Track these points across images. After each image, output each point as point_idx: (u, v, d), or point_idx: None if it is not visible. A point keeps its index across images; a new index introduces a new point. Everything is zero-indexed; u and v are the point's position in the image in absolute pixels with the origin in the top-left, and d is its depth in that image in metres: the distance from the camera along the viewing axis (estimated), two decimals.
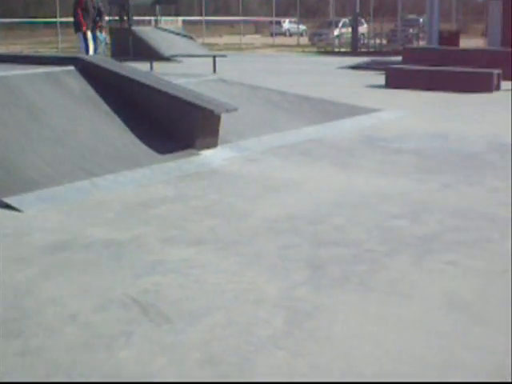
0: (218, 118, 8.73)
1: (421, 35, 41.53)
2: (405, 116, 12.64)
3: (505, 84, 17.71)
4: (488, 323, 4.07)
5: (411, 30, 43.34)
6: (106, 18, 24.86)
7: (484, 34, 39.76)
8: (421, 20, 45.29)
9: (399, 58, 24.31)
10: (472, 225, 5.96)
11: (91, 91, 9.15)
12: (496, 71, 17.58)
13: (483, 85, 17.14)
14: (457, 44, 32.53)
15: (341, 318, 4.11)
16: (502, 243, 5.49)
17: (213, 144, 8.76)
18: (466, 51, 24.86)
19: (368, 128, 11.17)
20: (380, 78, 18.73)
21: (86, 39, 20.95)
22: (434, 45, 30.80)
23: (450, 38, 32.74)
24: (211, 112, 8.56)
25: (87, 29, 20.98)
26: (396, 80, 17.89)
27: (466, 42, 36.38)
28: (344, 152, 9.17)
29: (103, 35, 21.72)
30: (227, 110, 8.84)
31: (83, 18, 20.88)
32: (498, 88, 17.46)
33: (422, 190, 7.13)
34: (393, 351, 3.71)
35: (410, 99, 15.34)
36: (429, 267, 4.96)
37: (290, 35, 57.03)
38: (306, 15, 66.56)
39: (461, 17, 55.10)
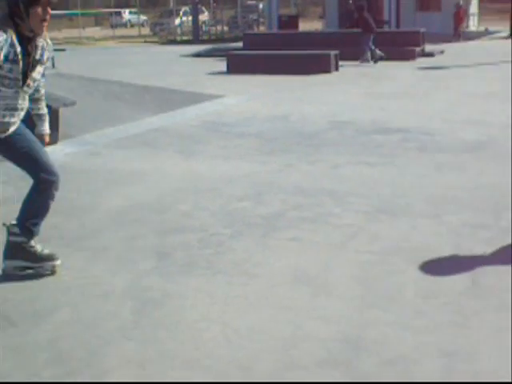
0: (56, 113, 8.52)
1: (261, 20, 42.18)
2: (247, 100, 12.82)
3: (343, 64, 18.35)
4: (331, 294, 4.21)
5: (251, 16, 43.93)
6: None
7: (322, 17, 40.90)
8: (260, 5, 45.96)
9: (240, 44, 24.66)
10: (313, 201, 6.14)
11: None
12: (333, 52, 18.13)
13: (322, 66, 17.64)
14: (296, 27, 33.30)
15: (189, 303, 4.14)
16: (341, 217, 5.70)
17: (53, 140, 8.50)
18: (305, 34, 25.55)
19: (211, 114, 11.25)
20: (222, 65, 18.89)
21: None
22: (274, 29, 31.42)
23: (290, 22, 33.47)
24: (48, 107, 8.32)
25: None
26: (237, 66, 18.10)
27: (305, 26, 37.30)
28: (188, 139, 9.19)
29: None
30: (65, 105, 8.65)
31: None
32: (336, 68, 18.03)
33: (265, 172, 7.27)
34: (241, 329, 3.78)
35: (252, 84, 15.56)
36: (273, 245, 5.08)
37: (132, 26, 56.37)
38: (146, 5, 66.07)
39: (299, 1, 56.33)
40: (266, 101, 12.74)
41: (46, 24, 4.21)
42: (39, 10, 4.12)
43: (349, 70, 18.13)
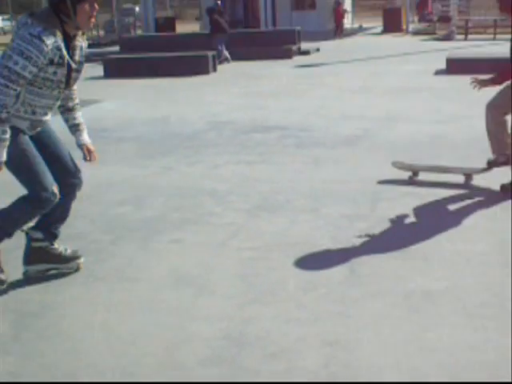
0: None
1: (138, 24, 41.79)
2: (125, 105, 12.69)
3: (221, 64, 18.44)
4: (213, 293, 4.23)
5: (127, 20, 43.44)
6: None
7: (198, 19, 40.97)
8: (137, 9, 45.51)
9: (117, 48, 24.39)
10: (194, 202, 6.15)
11: None
12: (211, 53, 18.18)
13: (200, 67, 17.64)
14: (173, 30, 33.24)
15: (70, 312, 4.06)
16: (222, 216, 5.73)
17: None
18: (182, 36, 25.48)
19: (89, 120, 10.88)
20: (99, 70, 18.60)
21: None
22: (151, 32, 31.24)
23: (167, 25, 33.40)
24: None
25: None
26: (115, 70, 17.87)
27: (182, 28, 37.25)
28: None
29: None
30: None
31: None
32: (214, 69, 18.08)
33: (144, 175, 7.22)
34: (124, 335, 3.74)
35: (130, 88, 15.41)
36: (155, 248, 5.05)
37: (5, 34, 54.75)
38: (19, 11, 64.20)
39: (176, 3, 56.18)
40: (144, 104, 12.65)
41: (93, 21, 4.08)
42: (87, 6, 3.98)
43: (227, 71, 18.24)
